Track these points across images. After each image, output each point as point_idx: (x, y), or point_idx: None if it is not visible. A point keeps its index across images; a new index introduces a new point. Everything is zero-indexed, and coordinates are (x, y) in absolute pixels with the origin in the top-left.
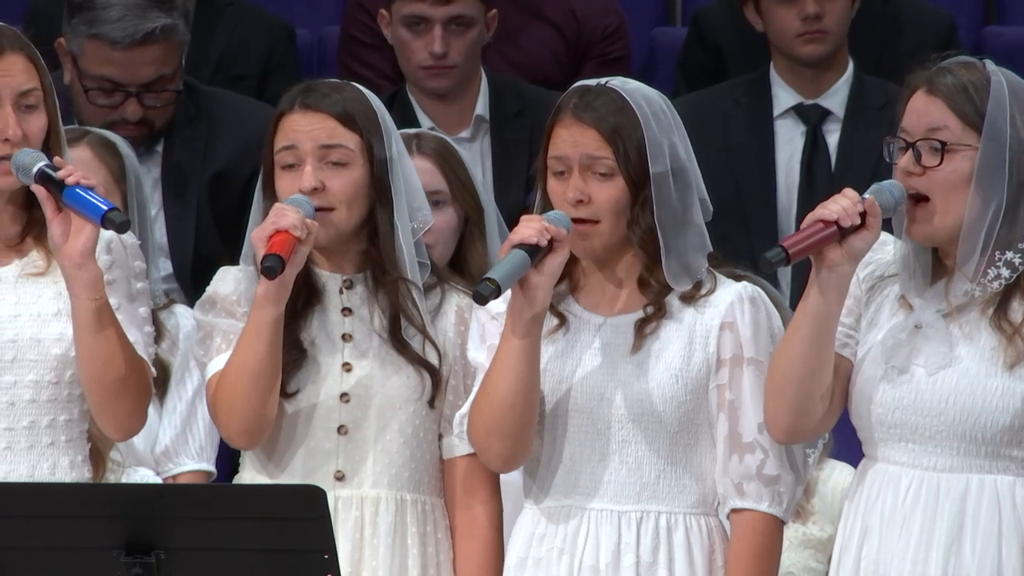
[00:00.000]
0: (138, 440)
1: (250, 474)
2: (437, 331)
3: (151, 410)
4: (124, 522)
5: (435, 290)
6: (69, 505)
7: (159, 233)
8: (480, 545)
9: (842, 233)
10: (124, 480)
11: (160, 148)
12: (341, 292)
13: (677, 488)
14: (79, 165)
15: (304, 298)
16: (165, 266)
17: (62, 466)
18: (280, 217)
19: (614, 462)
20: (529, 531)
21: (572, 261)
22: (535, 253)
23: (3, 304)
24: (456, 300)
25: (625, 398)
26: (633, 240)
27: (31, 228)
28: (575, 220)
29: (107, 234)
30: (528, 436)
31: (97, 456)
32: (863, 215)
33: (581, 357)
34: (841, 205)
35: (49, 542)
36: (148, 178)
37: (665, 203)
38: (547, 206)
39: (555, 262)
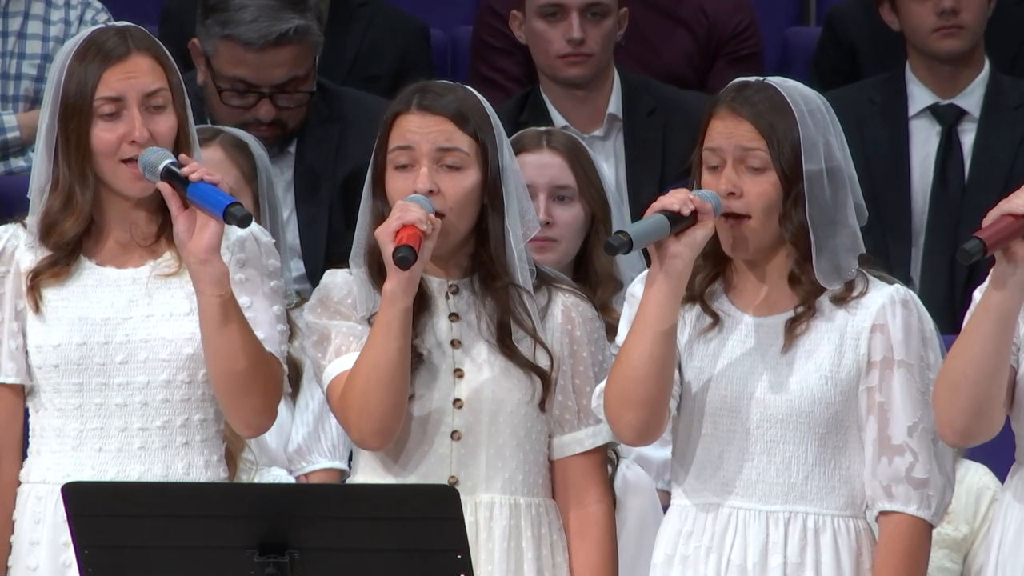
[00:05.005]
0: (271, 439)
1: (367, 478)
2: (546, 332)
3: (283, 409)
4: (258, 522)
5: (541, 291)
6: (204, 505)
7: (291, 234)
8: (595, 543)
9: None
10: (257, 479)
11: (293, 149)
12: (447, 297)
13: (825, 489)
14: (210, 165)
15: (416, 303)
16: (297, 267)
17: (197, 465)
18: (405, 212)
19: (762, 462)
20: (676, 528)
21: (725, 260)
22: (678, 222)
23: (136, 305)
24: (562, 299)
25: (774, 398)
26: (785, 236)
27: (165, 229)
28: (726, 215)
29: (242, 232)
30: (662, 408)
31: (228, 456)
32: None
33: (732, 356)
34: None
35: (184, 541)
36: (280, 179)
37: (817, 201)
38: None
39: (697, 234)
